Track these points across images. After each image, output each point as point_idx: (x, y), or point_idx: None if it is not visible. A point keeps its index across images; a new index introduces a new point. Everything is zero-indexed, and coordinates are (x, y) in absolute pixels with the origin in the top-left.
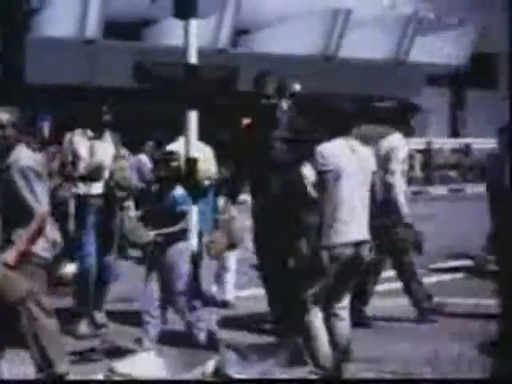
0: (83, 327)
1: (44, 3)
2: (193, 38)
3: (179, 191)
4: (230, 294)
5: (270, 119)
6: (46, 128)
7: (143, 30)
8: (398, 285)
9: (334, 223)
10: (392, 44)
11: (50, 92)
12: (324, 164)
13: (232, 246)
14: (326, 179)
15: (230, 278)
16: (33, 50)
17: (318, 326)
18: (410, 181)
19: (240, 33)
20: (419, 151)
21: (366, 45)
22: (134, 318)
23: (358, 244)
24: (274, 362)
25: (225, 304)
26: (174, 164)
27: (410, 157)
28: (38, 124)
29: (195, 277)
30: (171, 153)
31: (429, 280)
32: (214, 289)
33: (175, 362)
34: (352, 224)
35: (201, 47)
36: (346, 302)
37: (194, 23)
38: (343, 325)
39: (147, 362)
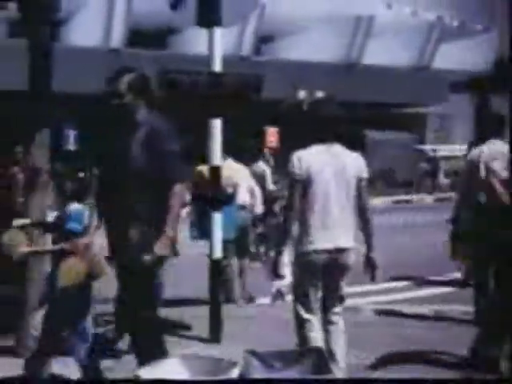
0: None
1: (71, 13)
2: (217, 46)
3: (75, 206)
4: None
5: (127, 121)
6: (71, 137)
7: (167, 39)
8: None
9: (306, 230)
10: (415, 51)
11: (75, 100)
12: (295, 171)
13: (92, 275)
14: (297, 186)
15: (286, 271)
16: (58, 59)
17: (314, 337)
18: (434, 188)
19: (263, 40)
20: (444, 158)
21: (389, 52)
22: None
23: (337, 251)
24: (299, 369)
25: (282, 296)
26: (82, 175)
27: (436, 164)
28: (64, 133)
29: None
30: (80, 163)
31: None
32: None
33: (199, 370)
34: (326, 230)
35: (224, 55)
36: (338, 308)
37: (217, 31)
38: (336, 328)
39: (170, 369)
